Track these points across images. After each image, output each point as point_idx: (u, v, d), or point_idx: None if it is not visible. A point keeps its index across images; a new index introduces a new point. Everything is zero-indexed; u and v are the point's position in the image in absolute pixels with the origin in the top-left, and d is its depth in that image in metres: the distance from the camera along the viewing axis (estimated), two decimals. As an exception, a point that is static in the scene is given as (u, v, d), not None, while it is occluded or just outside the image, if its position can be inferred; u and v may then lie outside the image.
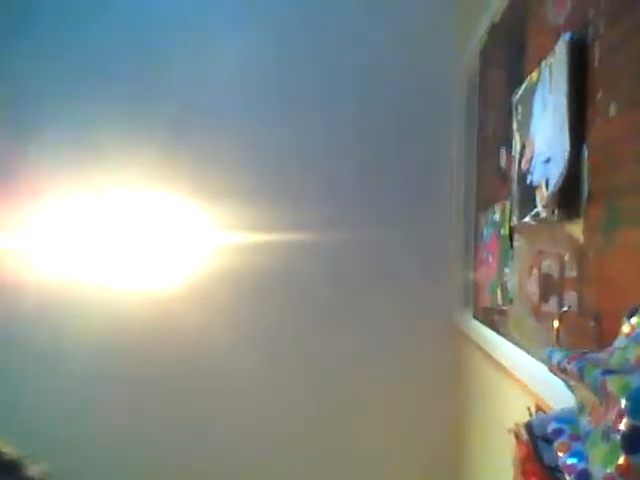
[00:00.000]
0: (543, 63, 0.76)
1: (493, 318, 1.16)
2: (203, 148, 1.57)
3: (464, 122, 1.51)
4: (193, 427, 1.57)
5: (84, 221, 1.57)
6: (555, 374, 0.48)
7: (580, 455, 0.40)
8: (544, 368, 0.59)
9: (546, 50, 0.74)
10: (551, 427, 0.46)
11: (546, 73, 0.74)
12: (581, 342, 0.63)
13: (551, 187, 0.69)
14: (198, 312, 1.54)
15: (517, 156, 0.89)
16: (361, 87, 1.59)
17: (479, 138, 1.42)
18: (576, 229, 0.67)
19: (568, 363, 0.44)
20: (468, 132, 1.49)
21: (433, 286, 1.59)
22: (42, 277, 1.54)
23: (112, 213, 1.58)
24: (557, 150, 0.69)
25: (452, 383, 1.52)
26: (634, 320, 0.44)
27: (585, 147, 0.65)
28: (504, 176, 1.07)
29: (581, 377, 0.41)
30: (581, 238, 0.66)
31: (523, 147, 0.86)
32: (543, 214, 0.74)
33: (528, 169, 0.81)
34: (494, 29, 1.21)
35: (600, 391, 0.37)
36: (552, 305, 0.76)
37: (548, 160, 0.72)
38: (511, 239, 1.00)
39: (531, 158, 0.80)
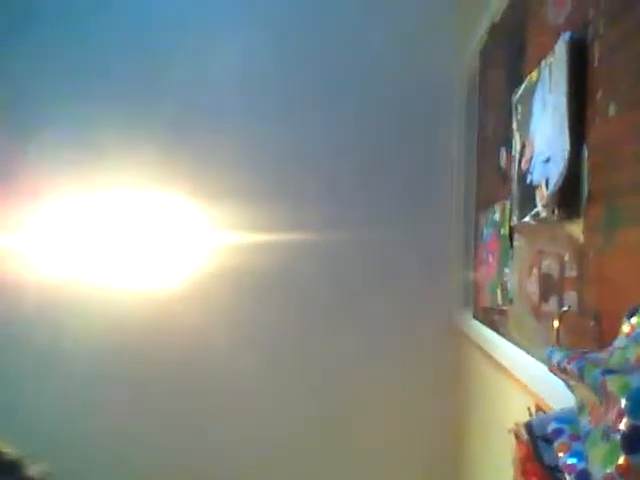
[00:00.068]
0: (543, 63, 0.76)
1: (493, 318, 1.16)
2: (203, 148, 1.57)
3: (464, 122, 1.51)
4: (193, 427, 1.57)
5: (84, 221, 1.57)
6: (555, 374, 0.48)
7: (580, 455, 0.40)
8: (544, 368, 0.59)
9: (546, 50, 0.74)
10: (551, 427, 0.46)
11: (546, 73, 0.74)
12: (581, 342, 0.63)
13: (551, 187, 0.69)
14: (198, 312, 1.54)
15: (517, 156, 0.89)
16: (361, 87, 1.59)
17: (479, 138, 1.42)
18: (576, 229, 0.67)
19: (568, 363, 0.44)
20: (468, 132, 1.49)
21: (433, 286, 1.59)
22: (42, 277, 1.54)
23: (112, 213, 1.58)
24: (557, 150, 0.69)
25: (452, 383, 1.52)
26: (634, 320, 0.44)
27: (585, 147, 0.65)
28: (504, 176, 1.07)
29: (581, 377, 0.41)
30: (581, 238, 0.66)
31: (523, 147, 0.86)
32: (543, 214, 0.74)
33: (528, 169, 0.81)
34: (494, 29, 1.21)
35: (600, 391, 0.37)
36: (552, 305, 0.76)
37: (548, 160, 0.72)
38: (511, 239, 1.00)
39: (531, 158, 0.80)
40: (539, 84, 0.77)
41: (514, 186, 0.90)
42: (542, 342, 0.79)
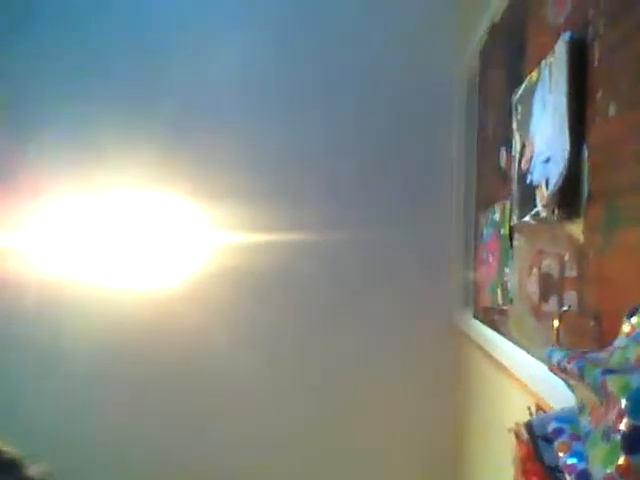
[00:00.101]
0: (543, 63, 0.76)
1: (493, 318, 1.16)
2: (203, 148, 1.57)
3: (464, 122, 1.51)
4: (193, 427, 1.57)
5: (84, 221, 1.57)
6: (555, 374, 0.48)
7: (580, 455, 0.40)
8: (544, 368, 0.59)
9: (546, 50, 0.74)
10: (551, 427, 0.46)
11: (546, 73, 0.74)
12: (581, 342, 0.63)
13: (551, 187, 0.69)
14: (198, 312, 1.54)
15: (517, 156, 0.89)
16: (361, 87, 1.59)
17: (479, 138, 1.42)
18: (576, 229, 0.67)
19: (568, 363, 0.44)
20: (468, 132, 1.49)
21: (433, 286, 1.59)
22: (42, 277, 1.54)
23: (112, 213, 1.58)
24: (557, 150, 0.69)
25: (452, 383, 1.52)
26: (634, 320, 0.44)
27: (585, 147, 0.65)
28: (504, 176, 1.07)
29: (581, 377, 0.41)
30: (581, 238, 0.66)
31: (523, 147, 0.86)
32: (543, 214, 0.74)
33: (528, 169, 0.81)
34: (494, 29, 1.21)
35: (600, 391, 0.37)
36: (552, 305, 0.76)
37: (548, 160, 0.72)
38: (511, 239, 1.00)
39: (531, 158, 0.80)
40: (539, 84, 0.77)
41: (514, 186, 0.90)
42: (542, 342, 0.79)
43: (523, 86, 0.86)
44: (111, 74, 1.55)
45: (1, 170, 1.52)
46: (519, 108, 0.89)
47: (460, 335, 1.48)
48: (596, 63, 0.63)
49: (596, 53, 0.63)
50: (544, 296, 0.80)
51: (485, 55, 1.33)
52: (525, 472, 0.55)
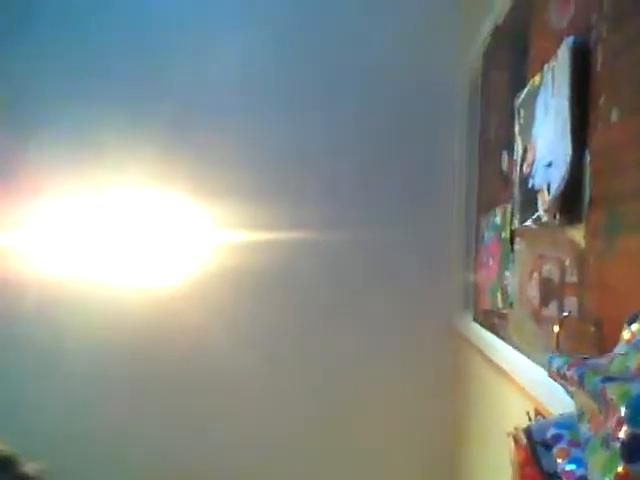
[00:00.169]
0: (546, 67, 0.75)
1: (493, 321, 1.16)
2: (203, 147, 1.57)
3: (466, 124, 1.50)
4: (193, 426, 1.57)
5: (85, 220, 1.57)
6: (555, 380, 0.48)
7: (579, 461, 0.40)
8: (544, 372, 0.59)
9: (549, 54, 0.74)
10: (550, 433, 0.46)
11: (549, 77, 0.74)
12: (581, 347, 0.63)
13: (553, 191, 0.69)
14: (198, 310, 1.54)
15: (519, 159, 0.89)
16: (362, 87, 1.59)
17: (481, 141, 1.41)
18: (577, 234, 0.67)
19: (568, 369, 0.44)
20: (470, 134, 1.48)
21: (433, 287, 1.59)
22: (43, 275, 1.54)
23: (113, 212, 1.57)
24: (559, 154, 0.69)
25: (451, 385, 1.52)
26: (634, 326, 0.44)
27: (587, 152, 0.65)
28: (506, 179, 1.07)
29: (581, 384, 0.41)
30: (582, 243, 0.66)
31: (525, 151, 0.86)
32: (544, 218, 0.73)
33: (530, 173, 0.81)
34: (497, 31, 1.21)
35: (600, 398, 0.37)
36: (552, 310, 0.76)
37: (550, 164, 0.72)
38: (512, 242, 1.00)
39: (533, 162, 0.80)
40: (542, 88, 0.77)
41: (515, 190, 0.90)
42: (542, 347, 0.79)
43: (526, 90, 0.86)
44: (111, 74, 1.55)
45: (1, 169, 1.52)
46: (521, 112, 0.89)
47: (459, 338, 1.48)
48: (599, 68, 0.63)
49: (599, 58, 0.63)
50: (544, 301, 0.80)
51: (488, 57, 1.33)
52: (523, 477, 0.55)
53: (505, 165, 1.09)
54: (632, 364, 0.40)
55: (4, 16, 1.53)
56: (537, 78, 0.80)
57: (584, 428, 0.41)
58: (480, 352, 1.22)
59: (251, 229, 1.53)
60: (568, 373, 0.44)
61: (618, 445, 0.34)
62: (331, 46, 1.58)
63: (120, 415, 1.53)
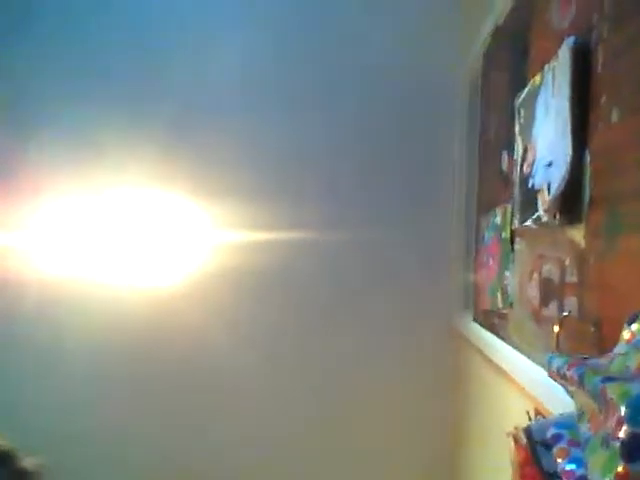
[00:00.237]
0: (546, 67, 0.75)
1: (493, 321, 1.16)
2: (203, 147, 1.57)
3: (466, 124, 1.51)
4: (193, 426, 1.57)
5: (85, 220, 1.57)
6: (555, 380, 0.48)
7: (579, 461, 0.40)
8: (544, 372, 0.59)
9: (549, 54, 0.74)
10: (550, 432, 0.47)
11: (549, 77, 0.74)
12: (581, 347, 0.63)
13: (553, 191, 0.69)
14: (198, 310, 1.54)
15: (519, 159, 0.89)
16: (362, 87, 1.59)
17: (481, 141, 1.41)
18: (577, 234, 0.67)
19: (568, 369, 0.44)
20: (470, 134, 1.49)
21: (433, 287, 1.59)
22: (43, 275, 1.54)
23: (113, 212, 1.58)
24: (559, 154, 0.69)
25: (451, 385, 1.53)
26: (634, 326, 0.44)
27: (587, 152, 0.65)
28: (506, 179, 1.07)
29: (581, 384, 0.41)
30: (582, 243, 0.66)
31: (525, 151, 0.86)
32: (544, 218, 0.73)
33: (530, 173, 0.81)
34: (498, 31, 1.21)
35: (600, 398, 0.37)
36: (552, 310, 0.76)
37: (550, 164, 0.72)
38: (512, 242, 1.00)
39: (533, 162, 0.80)
40: (542, 88, 0.77)
41: (516, 190, 0.90)
42: (542, 347, 0.79)
43: (526, 90, 0.86)
44: (111, 74, 1.55)
45: (1, 169, 1.52)
46: (522, 112, 0.89)
47: (459, 337, 1.48)
48: (600, 68, 0.63)
49: (600, 58, 0.63)
50: (544, 301, 0.80)
51: (488, 57, 1.33)
52: (523, 477, 0.55)
53: (505, 165, 1.09)
54: (632, 364, 0.40)
55: (4, 16, 1.53)
56: (537, 78, 0.80)
57: (584, 428, 0.41)
58: (480, 352, 1.22)
59: (251, 229, 1.54)
60: (568, 373, 0.44)
61: (618, 445, 0.34)
62: (331, 46, 1.58)
63: (120, 415, 1.53)
